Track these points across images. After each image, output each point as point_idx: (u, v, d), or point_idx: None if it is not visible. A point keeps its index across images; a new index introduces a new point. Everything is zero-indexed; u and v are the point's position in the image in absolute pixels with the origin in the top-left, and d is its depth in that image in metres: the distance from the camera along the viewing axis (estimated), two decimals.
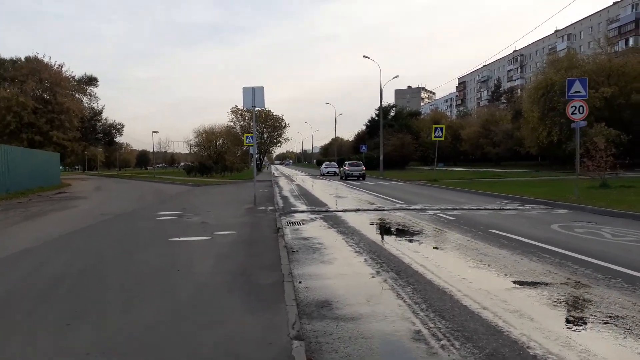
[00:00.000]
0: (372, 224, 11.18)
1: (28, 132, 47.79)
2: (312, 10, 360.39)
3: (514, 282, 5.82)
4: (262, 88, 15.00)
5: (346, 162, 40.05)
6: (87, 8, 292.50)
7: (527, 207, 14.31)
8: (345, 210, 14.00)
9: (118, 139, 76.56)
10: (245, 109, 68.55)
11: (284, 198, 19.26)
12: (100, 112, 64.39)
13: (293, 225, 11.16)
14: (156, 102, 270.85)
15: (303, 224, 11.40)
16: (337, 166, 48.95)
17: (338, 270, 6.52)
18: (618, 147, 23.24)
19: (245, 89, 14.96)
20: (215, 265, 6.52)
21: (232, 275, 5.95)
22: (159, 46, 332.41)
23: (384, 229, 10.53)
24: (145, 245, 8.26)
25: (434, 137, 27.97)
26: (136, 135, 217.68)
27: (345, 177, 36.00)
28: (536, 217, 12.09)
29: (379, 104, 48.26)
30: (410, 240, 8.84)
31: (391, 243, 8.50)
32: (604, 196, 15.54)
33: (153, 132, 51.09)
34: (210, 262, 6.76)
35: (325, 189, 24.90)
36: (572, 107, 15.66)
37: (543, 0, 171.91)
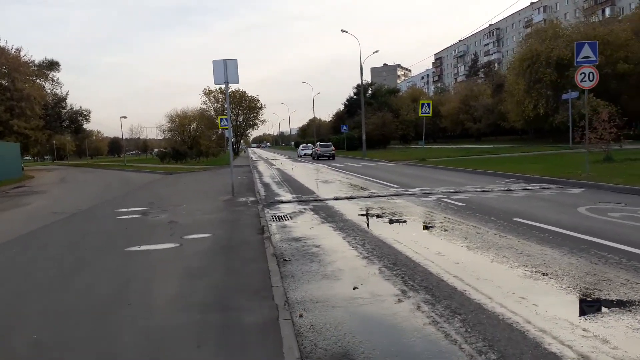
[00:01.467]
0: (372, 216, 9.55)
1: None
2: None
3: (591, 301, 4.28)
4: (234, 61, 13.08)
5: (317, 144, 43.46)
6: None
7: (537, 187, 12.90)
8: (337, 199, 12.34)
9: (87, 126, 73.03)
10: (218, 88, 65.80)
11: (266, 185, 17.49)
12: (64, 99, 60.84)
13: (280, 220, 9.45)
14: (127, 88, 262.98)
15: (291, 218, 9.70)
16: (312, 147, 49.68)
17: (348, 291, 4.85)
18: (591, 119, 22.18)
19: (215, 62, 13.01)
20: (181, 293, 4.78)
21: (204, 309, 4.23)
22: (127, 30, 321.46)
23: (389, 223, 8.91)
24: (92, 260, 6.44)
25: (421, 113, 26.46)
26: (108, 123, 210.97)
27: (317, 157, 38.80)
28: (554, 199, 10.65)
29: (356, 83, 46.69)
30: (426, 238, 7.25)
31: (404, 242, 6.88)
32: (616, 171, 14.25)
33: (121, 117, 48.56)
34: (175, 286, 5.01)
35: (309, 174, 23.19)
36: (581, 74, 14.20)
37: None
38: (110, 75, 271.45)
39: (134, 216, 10.18)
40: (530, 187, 12.89)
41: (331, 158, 37.48)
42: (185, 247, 6.86)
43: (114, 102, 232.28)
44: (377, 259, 5.99)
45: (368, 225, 8.45)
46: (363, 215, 9.73)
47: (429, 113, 26.41)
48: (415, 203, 10.96)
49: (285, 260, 6.13)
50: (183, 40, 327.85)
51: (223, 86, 13.65)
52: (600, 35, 37.18)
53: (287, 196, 13.55)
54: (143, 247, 6.92)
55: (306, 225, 8.79)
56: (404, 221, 8.95)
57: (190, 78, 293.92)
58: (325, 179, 18.85)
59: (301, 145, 62.23)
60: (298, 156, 51.45)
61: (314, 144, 54.84)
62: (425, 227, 8.03)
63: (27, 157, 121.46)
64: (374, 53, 43.44)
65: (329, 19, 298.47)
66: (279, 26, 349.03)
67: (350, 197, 12.46)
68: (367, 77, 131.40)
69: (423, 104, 26.35)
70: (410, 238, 7.22)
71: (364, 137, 40.90)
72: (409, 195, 12.45)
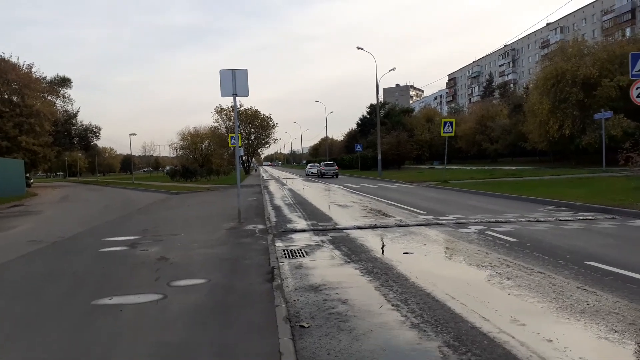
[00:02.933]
0: (405, 253, 7.82)
1: None
2: (294, 12, 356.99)
3: None
4: (244, 71, 11.59)
5: (322, 163, 48.39)
6: (66, 15, 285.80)
7: (589, 217, 11.10)
8: (359, 227, 10.64)
9: (99, 143, 72.59)
10: (229, 106, 64.91)
11: (277, 209, 15.85)
12: (75, 115, 60.27)
13: (293, 256, 7.77)
14: (140, 106, 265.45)
15: (307, 253, 8.02)
16: (318, 166, 52.85)
17: None
18: (638, 140, 20.47)
19: (223, 72, 11.54)
20: None
21: None
22: (141, 50, 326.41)
23: (432, 265, 7.18)
24: (44, 320, 4.78)
25: (443, 132, 24.74)
26: (121, 140, 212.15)
27: (322, 175, 42.56)
28: (622, 234, 8.88)
29: (369, 103, 45.33)
30: (488, 292, 5.51)
31: (461, 299, 5.15)
32: None
33: (130, 134, 47.34)
34: None
35: (323, 195, 21.53)
36: (636, 88, 12.52)
37: None
38: (123, 93, 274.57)
39: (120, 248, 8.56)
40: (581, 217, 11.09)
41: (334, 176, 40.88)
42: (170, 300, 5.19)
43: (128, 119, 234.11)
44: (431, 329, 4.26)
45: (405, 268, 6.73)
46: (395, 252, 8.01)
47: (451, 132, 24.71)
48: (454, 236, 9.23)
49: (303, 326, 4.43)
50: (196, 60, 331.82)
51: (231, 100, 12.13)
52: (627, 54, 35.49)
53: (301, 223, 11.88)
54: (115, 300, 5.26)
55: (326, 265, 7.09)
56: (450, 263, 7.23)
57: (204, 96, 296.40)
58: (341, 202, 17.17)
59: (309, 164, 69.52)
60: (306, 174, 55.55)
61: (320, 164, 60.88)
62: (481, 274, 6.29)
63: (40, 174, 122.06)
64: (390, 71, 42.35)
65: (339, 40, 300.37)
66: (291, 47, 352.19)
67: (374, 227, 10.75)
68: (380, 97, 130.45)
69: (445, 123, 24.65)
70: (466, 291, 5.48)
71: (379, 156, 39.22)
72: (442, 225, 10.71)
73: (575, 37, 42.05)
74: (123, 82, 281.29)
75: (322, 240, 9.24)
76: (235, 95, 11.57)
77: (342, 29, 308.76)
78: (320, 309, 4.95)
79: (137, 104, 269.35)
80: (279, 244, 8.97)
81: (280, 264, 7.14)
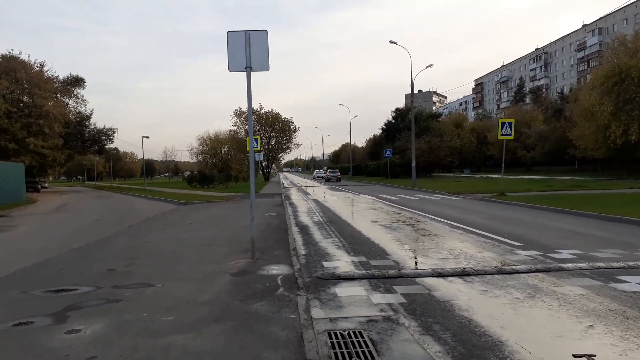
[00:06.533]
0: (578, 357, 3.88)
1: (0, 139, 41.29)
2: (316, 20, 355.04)
3: None
4: (263, 33, 7.82)
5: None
6: (93, 22, 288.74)
7: None
8: (440, 275, 6.72)
9: (120, 147, 70.29)
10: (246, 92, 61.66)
11: (304, 231, 12.02)
12: (88, 117, 57.62)
13: (350, 356, 3.92)
14: (164, 111, 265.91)
15: (376, 345, 4.16)
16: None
17: None
18: None
19: (232, 35, 7.78)
20: None
21: None
22: (165, 57, 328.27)
23: None
24: None
25: (501, 135, 20.66)
26: (145, 146, 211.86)
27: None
28: None
29: (394, 107, 41.15)
30: None
31: None
32: None
33: (143, 137, 44.26)
34: None
35: (357, 209, 17.61)
36: None
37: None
38: (146, 99, 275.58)
39: (32, 326, 4.80)
40: None
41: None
42: None
43: (150, 125, 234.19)
44: None
45: None
46: (550, 348, 4.08)
47: (510, 135, 20.62)
48: (625, 302, 5.26)
49: None
50: (217, 67, 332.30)
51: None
52: None
53: (344, 261, 7.99)
54: None
55: None
56: None
57: (226, 102, 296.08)
58: (386, 222, 13.23)
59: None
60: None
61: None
62: None
63: (62, 177, 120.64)
64: (427, 67, 38.10)
65: (361, 46, 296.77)
66: (311, 53, 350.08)
67: (463, 273, 6.81)
68: (401, 103, 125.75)
69: (503, 124, 20.57)
70: None
71: (413, 163, 35.03)
72: (570, 271, 6.72)
73: (636, 30, 37.22)
74: (146, 88, 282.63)
75: (390, 306, 5.35)
76: (249, 69, 7.81)
77: (363, 36, 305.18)
78: None
79: (159, 109, 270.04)
80: (318, 313, 5.12)
81: None
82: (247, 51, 7.78)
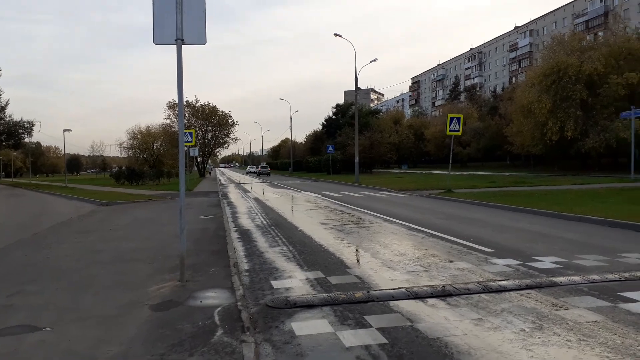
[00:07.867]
0: None
1: None
2: (255, 16, 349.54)
3: None
4: None
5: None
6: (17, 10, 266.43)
7: None
8: (417, 297, 5.47)
9: (43, 141, 64.21)
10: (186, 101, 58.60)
11: (246, 238, 10.42)
12: (3, 108, 52.16)
13: None
14: (95, 105, 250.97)
15: None
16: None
17: None
18: None
19: None
20: None
21: None
22: (94, 49, 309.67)
23: None
24: None
25: (449, 130, 20.09)
26: (70, 139, 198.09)
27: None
28: None
29: (334, 104, 40.27)
30: None
31: None
32: None
33: (64, 130, 40.31)
34: None
35: (304, 209, 16.21)
36: None
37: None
38: (74, 91, 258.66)
39: None
40: None
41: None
42: None
43: (78, 119, 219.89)
44: None
45: None
46: None
47: (458, 130, 20.10)
48: (631, 324, 4.24)
49: None
50: (151, 60, 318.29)
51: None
52: (635, 49, 32.04)
53: (298, 279, 6.54)
54: None
55: None
56: None
57: (158, 94, 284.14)
58: (337, 224, 11.93)
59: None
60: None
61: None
62: None
63: None
64: (371, 62, 37.32)
65: (300, 43, 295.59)
66: (252, 49, 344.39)
67: (445, 293, 5.59)
68: (340, 100, 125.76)
69: (452, 119, 19.98)
70: None
71: (356, 159, 34.23)
72: (564, 286, 5.72)
73: (572, 30, 38.44)
74: (75, 80, 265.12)
75: (368, 351, 3.99)
76: (180, 41, 6.15)
77: (302, 34, 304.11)
78: None
79: (89, 102, 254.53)
80: None
81: None
82: (179, 18, 6.12)
